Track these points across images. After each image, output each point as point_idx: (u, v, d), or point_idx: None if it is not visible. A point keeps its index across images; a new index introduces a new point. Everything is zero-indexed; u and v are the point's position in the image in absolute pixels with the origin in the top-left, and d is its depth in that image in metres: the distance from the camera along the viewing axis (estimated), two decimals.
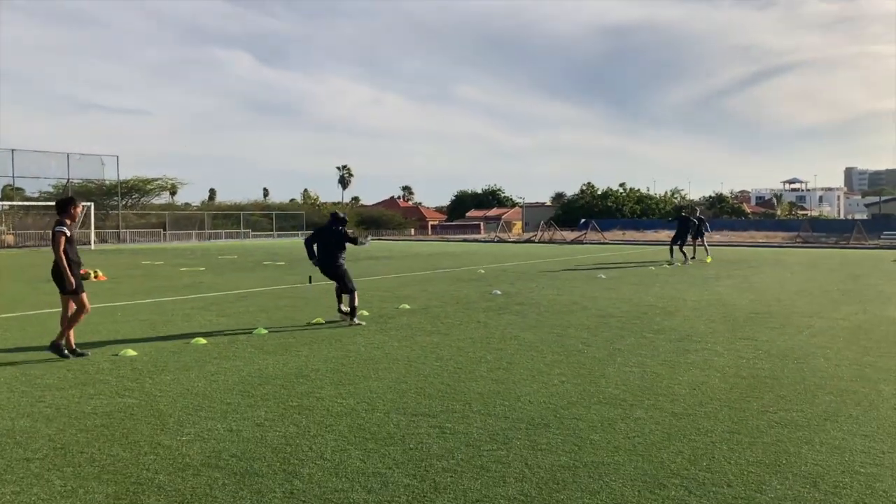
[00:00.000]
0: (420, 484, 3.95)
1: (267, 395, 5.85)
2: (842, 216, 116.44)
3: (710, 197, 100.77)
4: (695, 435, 4.73)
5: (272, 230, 59.18)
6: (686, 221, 21.94)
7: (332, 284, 13.49)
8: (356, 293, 9.71)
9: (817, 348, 7.64)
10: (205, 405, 5.53)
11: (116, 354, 7.45)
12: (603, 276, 17.24)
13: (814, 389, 5.91)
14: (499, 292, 13.29)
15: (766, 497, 3.76)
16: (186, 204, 72.59)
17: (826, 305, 11.28)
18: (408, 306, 11.21)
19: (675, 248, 22.02)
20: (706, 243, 24.06)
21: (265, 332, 8.82)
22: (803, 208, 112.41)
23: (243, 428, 4.96)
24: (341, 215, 9.92)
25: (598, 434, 4.75)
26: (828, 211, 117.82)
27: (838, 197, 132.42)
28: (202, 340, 8.15)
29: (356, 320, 9.54)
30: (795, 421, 5.02)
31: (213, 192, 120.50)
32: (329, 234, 9.86)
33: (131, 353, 7.51)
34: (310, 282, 12.60)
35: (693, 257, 23.88)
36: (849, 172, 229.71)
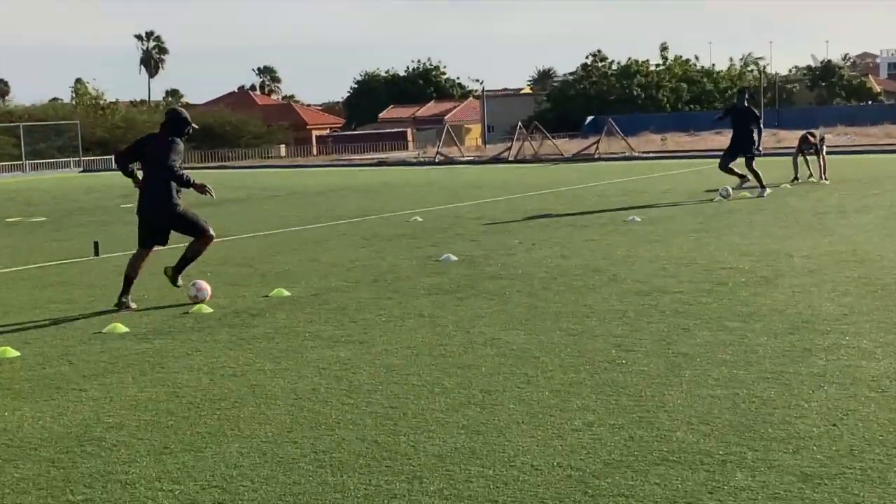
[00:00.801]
0: None
1: (24, 481, 5.46)
2: None
3: (809, 69, 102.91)
4: None
5: (21, 157, 57.54)
6: (747, 116, 21.29)
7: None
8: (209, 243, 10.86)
9: None
10: None
11: None
12: (638, 220, 17.52)
13: None
14: (453, 258, 13.32)
15: None
16: None
17: None
18: (287, 292, 11.11)
19: (742, 162, 21.30)
20: (824, 159, 24.43)
21: (15, 354, 8.48)
22: None
23: None
24: (183, 115, 10.58)
25: None
26: None
27: None
28: None
29: (180, 282, 10.76)
30: None
31: None
32: (162, 149, 10.40)
33: None
34: (96, 252, 12.21)
35: (809, 175, 24.24)
36: None
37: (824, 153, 24.85)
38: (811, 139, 24.67)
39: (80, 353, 8.49)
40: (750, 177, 21.21)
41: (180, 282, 10.83)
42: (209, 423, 6.41)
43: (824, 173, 24.40)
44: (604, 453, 5.50)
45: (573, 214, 19.17)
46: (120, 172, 10.81)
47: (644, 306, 9.50)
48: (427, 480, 5.22)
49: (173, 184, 10.38)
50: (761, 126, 21.25)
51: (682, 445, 5.56)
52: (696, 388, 6.67)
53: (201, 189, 10.45)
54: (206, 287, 10.70)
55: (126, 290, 10.49)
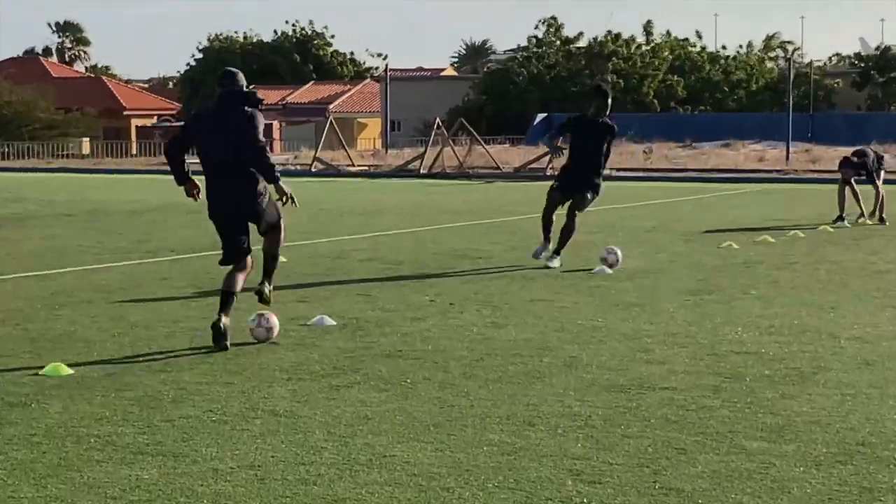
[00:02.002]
0: None
1: None
2: None
3: (858, 58, 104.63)
4: None
5: None
6: (600, 130, 18.99)
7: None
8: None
9: None
10: None
11: None
12: (609, 271, 17.46)
13: None
14: (330, 321, 13.18)
15: None
16: None
17: None
18: (68, 369, 10.68)
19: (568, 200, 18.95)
20: (880, 191, 24.42)
21: None
22: None
23: None
24: (244, 85, 12.44)
25: None
26: None
27: None
28: None
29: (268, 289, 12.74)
30: None
31: None
32: (231, 127, 12.14)
33: None
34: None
35: (861, 216, 24.39)
36: None
37: (881, 182, 24.84)
38: (854, 160, 24.64)
39: None
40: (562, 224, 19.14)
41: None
42: None
43: (881, 212, 24.38)
44: None
45: (513, 262, 18.97)
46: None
47: (618, 410, 9.16)
48: None
49: (255, 172, 12.10)
50: (610, 147, 19.09)
51: None
52: None
53: (284, 196, 12.20)
54: (276, 322, 12.12)
55: (224, 308, 12.02)
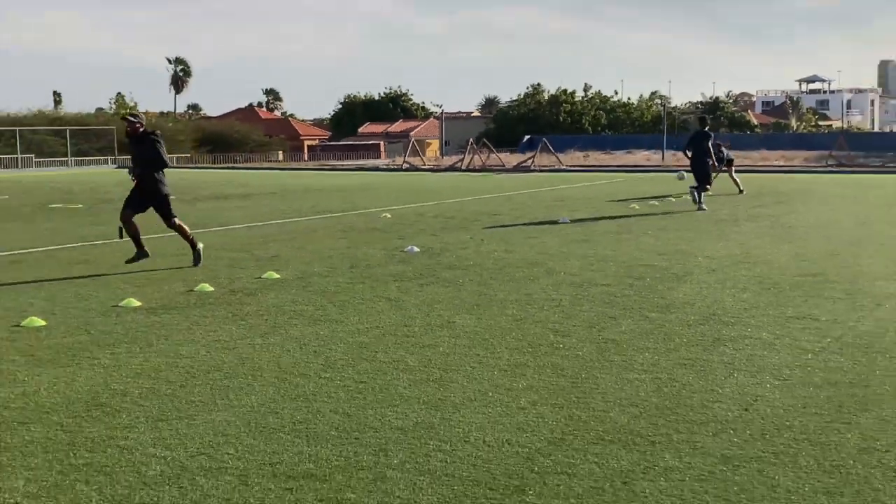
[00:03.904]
0: None
1: (33, 444, 4.86)
2: (877, 128, 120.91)
3: (700, 103, 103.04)
4: (769, 500, 4.06)
5: (66, 155, 56.48)
6: (702, 137, 19.78)
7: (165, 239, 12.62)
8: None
9: None
10: None
11: None
12: (567, 221, 17.10)
13: None
14: (416, 249, 12.86)
15: None
16: None
17: None
18: (276, 275, 10.52)
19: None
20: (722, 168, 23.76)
21: (41, 323, 7.82)
22: (826, 117, 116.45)
23: None
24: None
25: (607, 502, 4.03)
26: (858, 120, 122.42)
27: (872, 101, 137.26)
28: None
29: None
30: None
31: None
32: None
33: None
34: (120, 235, 11.58)
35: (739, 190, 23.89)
36: (884, 68, 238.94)
37: (723, 166, 24.17)
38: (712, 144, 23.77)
39: (97, 325, 7.88)
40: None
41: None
42: (202, 392, 5.84)
43: (739, 186, 24.10)
44: (546, 431, 4.99)
45: (514, 215, 18.69)
46: None
47: (577, 296, 9.00)
48: (392, 453, 4.68)
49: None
50: (709, 145, 20.02)
51: (616, 426, 5.06)
52: (625, 372, 6.17)
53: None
54: None
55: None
